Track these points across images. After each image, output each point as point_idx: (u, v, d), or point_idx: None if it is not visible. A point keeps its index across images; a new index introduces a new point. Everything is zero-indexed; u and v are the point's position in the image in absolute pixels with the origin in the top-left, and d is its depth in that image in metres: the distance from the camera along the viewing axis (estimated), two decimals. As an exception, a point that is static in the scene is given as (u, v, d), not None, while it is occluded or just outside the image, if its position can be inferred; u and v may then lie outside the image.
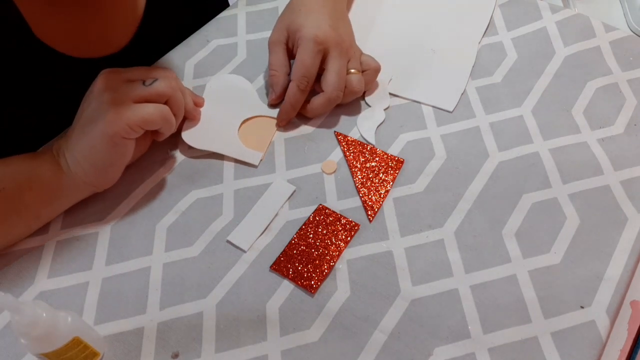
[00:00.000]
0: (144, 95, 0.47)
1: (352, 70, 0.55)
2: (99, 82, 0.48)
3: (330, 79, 0.54)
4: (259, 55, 0.63)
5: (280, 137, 0.56)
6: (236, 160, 0.54)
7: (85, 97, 0.49)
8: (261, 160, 0.54)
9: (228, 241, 0.49)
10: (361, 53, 0.58)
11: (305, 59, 0.53)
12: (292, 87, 0.54)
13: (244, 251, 0.48)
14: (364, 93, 0.59)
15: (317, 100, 0.55)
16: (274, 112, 0.58)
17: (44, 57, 0.54)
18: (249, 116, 0.57)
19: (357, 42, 0.60)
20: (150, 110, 0.47)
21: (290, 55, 0.57)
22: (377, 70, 0.57)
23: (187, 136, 0.54)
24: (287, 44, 0.57)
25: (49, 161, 0.48)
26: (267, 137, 0.56)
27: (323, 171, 0.53)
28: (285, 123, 0.56)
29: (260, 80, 0.61)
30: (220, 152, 0.54)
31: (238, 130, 0.56)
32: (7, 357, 0.43)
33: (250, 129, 0.56)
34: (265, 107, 0.58)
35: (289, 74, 0.57)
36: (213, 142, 0.55)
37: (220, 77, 0.61)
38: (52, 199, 0.48)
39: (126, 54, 0.61)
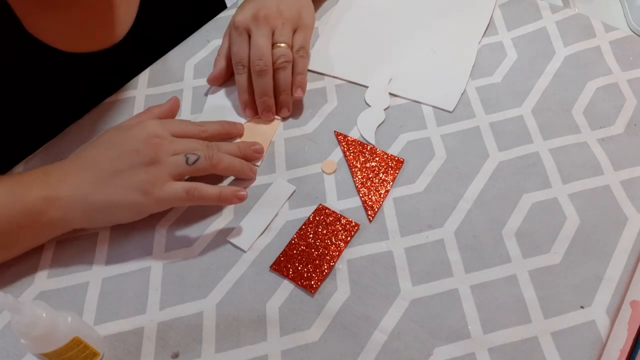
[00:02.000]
0: (184, 174, 0.47)
1: (281, 45, 0.55)
2: (142, 138, 0.47)
3: (250, 54, 0.55)
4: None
5: (280, 137, 0.56)
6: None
7: (115, 135, 0.48)
8: (262, 160, 0.54)
9: (228, 241, 0.49)
10: (299, 29, 0.57)
11: (232, 47, 0.57)
12: (235, 76, 0.57)
13: (244, 251, 0.48)
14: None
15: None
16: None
17: (35, 51, 0.53)
18: (250, 117, 0.57)
19: (358, 42, 0.60)
20: (180, 195, 0.46)
21: None
22: (302, 48, 0.56)
23: None
24: None
25: (42, 198, 0.45)
26: (267, 137, 0.56)
27: (323, 171, 0.53)
28: (247, 113, 0.57)
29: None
30: None
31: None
32: (7, 357, 0.43)
33: (251, 130, 0.56)
34: None
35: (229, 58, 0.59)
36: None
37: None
38: (42, 239, 0.48)
39: (121, 49, 0.61)
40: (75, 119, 0.58)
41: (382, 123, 0.56)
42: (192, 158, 0.47)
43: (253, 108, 0.57)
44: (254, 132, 0.56)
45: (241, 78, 0.56)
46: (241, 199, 0.48)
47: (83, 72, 0.59)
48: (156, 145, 0.47)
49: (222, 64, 0.59)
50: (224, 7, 0.73)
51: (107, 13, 0.59)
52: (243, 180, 0.52)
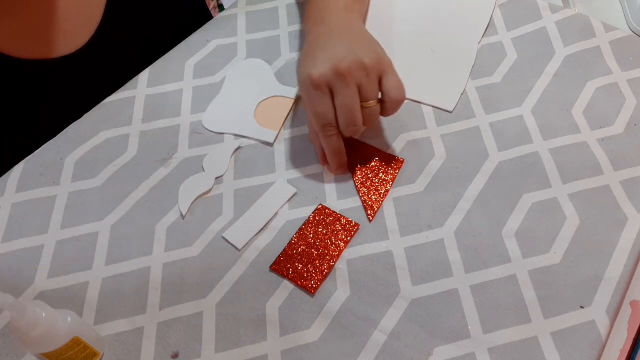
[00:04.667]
0: None
1: (370, 103, 0.48)
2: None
3: (339, 118, 0.48)
4: (259, 55, 0.63)
5: (280, 137, 0.56)
6: (237, 157, 0.54)
7: None
8: (276, 138, 0.55)
9: (223, 238, 0.49)
10: (384, 74, 0.48)
11: (312, 106, 0.48)
12: (321, 138, 0.49)
13: (238, 249, 0.48)
14: None
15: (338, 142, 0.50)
16: (289, 92, 0.59)
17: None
18: (266, 97, 0.59)
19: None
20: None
21: None
22: (397, 102, 0.49)
23: (207, 122, 0.57)
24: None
25: None
26: (281, 116, 0.57)
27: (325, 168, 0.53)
28: (340, 172, 0.52)
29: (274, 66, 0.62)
30: (237, 133, 0.56)
31: (255, 111, 0.58)
32: (7, 357, 0.43)
33: (266, 109, 0.58)
34: (281, 87, 0.60)
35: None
36: (231, 125, 0.57)
37: (241, 63, 0.63)
38: None
39: (121, 49, 0.60)
40: (75, 118, 0.58)
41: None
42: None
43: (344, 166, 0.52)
44: (269, 111, 0.58)
45: (333, 140, 0.49)
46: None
47: (83, 71, 0.59)
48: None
49: (316, 137, 0.51)
50: (200, 9, 0.74)
51: (66, 19, 0.58)
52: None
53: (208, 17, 0.74)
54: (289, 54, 0.63)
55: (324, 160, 0.52)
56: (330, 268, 0.47)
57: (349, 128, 0.48)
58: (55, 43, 0.58)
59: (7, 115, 0.56)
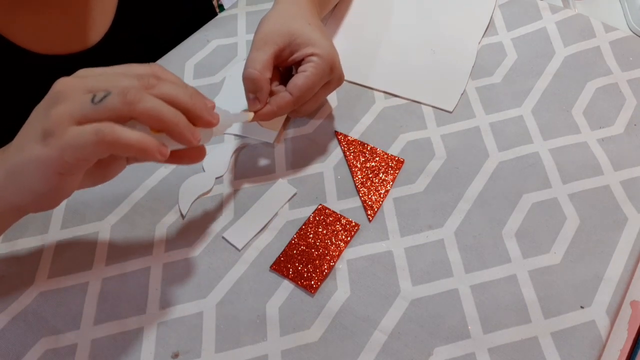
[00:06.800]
0: (90, 116, 0.35)
1: None
2: (51, 89, 0.37)
3: (315, 105, 0.52)
4: (259, 55, 0.63)
5: (280, 137, 0.56)
6: (237, 157, 0.54)
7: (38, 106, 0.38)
8: (276, 139, 0.55)
9: (223, 237, 0.49)
10: None
11: (316, 81, 0.48)
12: (289, 99, 0.48)
13: (238, 249, 0.48)
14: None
15: (282, 106, 0.49)
16: None
17: (9, 55, 0.53)
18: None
19: (357, 43, 0.60)
20: (87, 138, 0.34)
21: (280, 61, 0.50)
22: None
23: None
24: (282, 49, 0.49)
25: None
26: (281, 116, 0.56)
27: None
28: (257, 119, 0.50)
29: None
30: (238, 133, 0.56)
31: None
32: (7, 357, 0.43)
33: None
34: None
35: (269, 80, 0.49)
36: (232, 126, 0.56)
37: (241, 63, 0.62)
38: None
39: (98, 51, 0.61)
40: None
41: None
42: (99, 95, 0.35)
43: None
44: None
45: (292, 109, 0.51)
46: (163, 155, 0.36)
47: (52, 69, 0.59)
48: (64, 83, 0.37)
49: (267, 86, 0.49)
50: (208, 7, 0.74)
51: (81, 16, 0.59)
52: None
53: (214, 16, 0.74)
54: (289, 54, 0.63)
55: (260, 109, 0.49)
56: (330, 268, 0.47)
57: (307, 113, 0.54)
58: (71, 39, 0.58)
59: (19, 108, 0.57)
